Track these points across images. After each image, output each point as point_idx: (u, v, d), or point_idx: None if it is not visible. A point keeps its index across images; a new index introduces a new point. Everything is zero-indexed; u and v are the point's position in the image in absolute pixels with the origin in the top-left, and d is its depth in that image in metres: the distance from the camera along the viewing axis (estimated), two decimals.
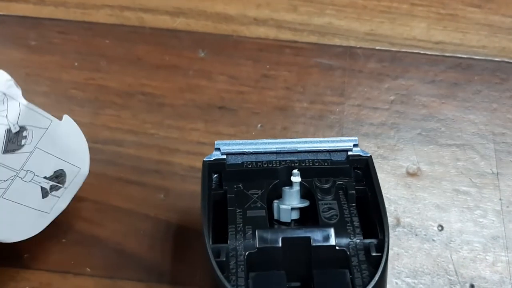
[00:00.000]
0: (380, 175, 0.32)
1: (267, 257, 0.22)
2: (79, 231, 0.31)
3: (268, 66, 0.36)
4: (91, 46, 0.37)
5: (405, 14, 0.38)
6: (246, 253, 0.22)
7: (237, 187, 0.24)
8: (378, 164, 0.33)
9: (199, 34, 0.37)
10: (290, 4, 0.38)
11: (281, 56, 0.36)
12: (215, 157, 0.25)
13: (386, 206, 0.31)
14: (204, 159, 0.25)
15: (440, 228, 0.31)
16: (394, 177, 0.33)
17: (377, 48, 0.37)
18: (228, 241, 0.22)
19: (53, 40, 0.37)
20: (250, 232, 0.22)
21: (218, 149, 0.25)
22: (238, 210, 0.23)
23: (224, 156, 0.25)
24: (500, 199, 0.32)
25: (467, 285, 0.29)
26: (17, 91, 0.24)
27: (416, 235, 0.31)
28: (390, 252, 0.30)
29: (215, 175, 0.25)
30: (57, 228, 0.31)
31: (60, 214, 0.29)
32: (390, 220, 0.31)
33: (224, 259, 0.21)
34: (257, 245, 0.22)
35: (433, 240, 0.31)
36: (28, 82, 0.36)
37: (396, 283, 0.30)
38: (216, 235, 0.23)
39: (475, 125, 0.34)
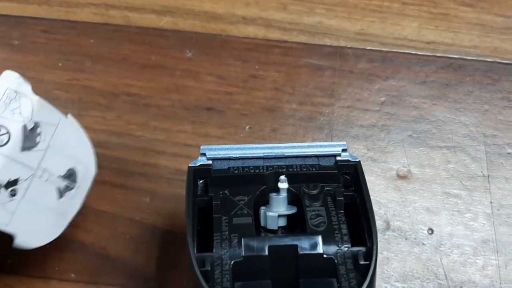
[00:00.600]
0: (370, 178, 0.32)
1: (253, 266, 0.21)
2: (63, 236, 0.30)
3: (256, 66, 0.35)
4: (75, 46, 0.36)
5: (396, 13, 0.38)
6: (232, 262, 0.21)
7: (223, 193, 0.24)
8: (368, 167, 0.33)
9: (186, 34, 0.36)
10: (279, 3, 0.37)
11: (270, 56, 0.36)
12: (201, 163, 0.24)
13: (376, 209, 0.31)
14: (190, 165, 0.24)
15: (430, 232, 0.31)
16: (384, 180, 0.32)
17: (367, 48, 0.36)
18: (213, 250, 0.22)
19: (36, 40, 0.36)
20: (236, 240, 0.22)
21: (204, 154, 0.25)
22: (224, 218, 0.23)
23: (210, 162, 0.24)
24: (491, 202, 0.32)
25: None
26: (27, 87, 0.25)
27: (406, 238, 0.30)
28: (380, 256, 0.30)
29: (201, 181, 0.25)
30: None
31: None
32: (380, 223, 0.31)
33: (209, 268, 0.21)
34: (243, 254, 0.21)
35: (423, 244, 0.30)
36: None
37: None
38: (201, 242, 0.23)
39: (466, 127, 0.34)
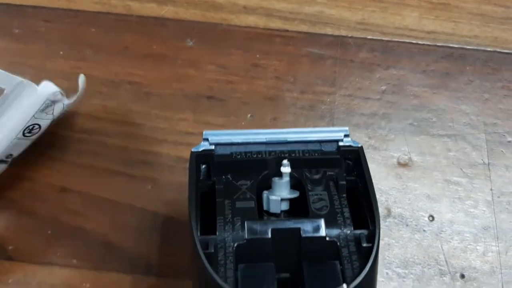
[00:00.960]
0: (371, 166, 0.32)
1: (256, 248, 0.21)
2: (65, 223, 0.30)
3: (258, 55, 0.35)
4: (76, 35, 0.36)
5: (397, 3, 0.38)
6: (235, 245, 0.21)
7: (226, 178, 0.24)
8: (369, 155, 0.33)
9: (187, 23, 0.36)
10: None
11: (271, 45, 0.36)
12: (203, 148, 0.24)
13: (377, 196, 0.31)
14: (192, 150, 0.24)
15: (431, 219, 0.31)
16: (385, 167, 0.32)
17: (368, 37, 0.36)
18: (217, 233, 0.22)
19: (37, 29, 0.36)
20: (239, 223, 0.22)
21: (207, 139, 0.25)
22: (227, 201, 0.23)
23: (213, 147, 0.24)
24: (491, 189, 0.32)
25: (458, 275, 0.29)
26: (62, 98, 0.30)
27: (407, 225, 0.31)
28: (381, 243, 0.30)
29: (203, 166, 0.25)
30: (43, 219, 0.30)
31: None
32: (381, 210, 0.31)
33: (213, 250, 0.21)
34: (246, 237, 0.21)
35: (424, 230, 0.30)
36: (11, 71, 0.35)
37: (387, 273, 0.29)
38: (204, 228, 0.23)
39: (467, 115, 0.34)
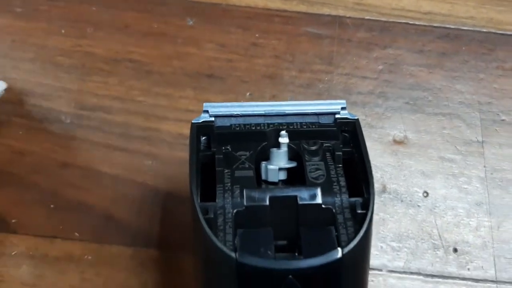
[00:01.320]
0: (368, 143, 0.32)
1: (254, 215, 0.22)
2: (67, 197, 0.31)
3: (257, 35, 0.36)
4: (77, 13, 0.36)
5: None
6: (234, 211, 0.22)
7: (226, 149, 0.24)
8: (365, 133, 0.33)
9: (187, 2, 0.37)
10: None
11: (270, 24, 0.36)
12: (204, 119, 0.25)
13: (373, 173, 0.31)
14: (193, 121, 0.25)
15: (425, 194, 0.32)
16: (381, 144, 0.33)
17: (366, 17, 0.37)
18: (216, 200, 0.22)
19: (39, 7, 0.37)
20: (238, 191, 0.22)
21: (207, 111, 0.25)
22: (226, 171, 0.23)
23: (213, 119, 0.25)
24: (485, 166, 0.32)
25: (451, 249, 0.30)
26: None
27: (402, 201, 0.31)
28: (376, 217, 0.31)
29: (204, 138, 0.25)
30: (45, 193, 0.31)
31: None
32: (377, 186, 0.32)
33: (212, 216, 0.22)
34: (245, 204, 0.22)
35: (418, 206, 0.31)
36: (14, 49, 0.35)
37: (381, 247, 0.30)
38: (204, 197, 0.23)
39: (462, 94, 0.35)
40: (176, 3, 0.37)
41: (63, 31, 0.36)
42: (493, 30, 0.37)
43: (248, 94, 0.34)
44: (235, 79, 0.34)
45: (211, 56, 0.35)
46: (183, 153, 0.32)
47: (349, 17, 0.37)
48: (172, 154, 0.32)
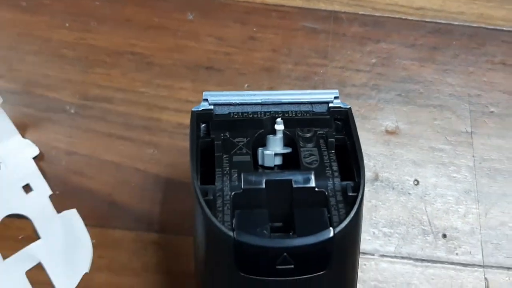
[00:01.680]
0: (361, 133, 0.33)
1: (251, 197, 0.23)
2: (72, 184, 0.32)
3: (254, 29, 0.37)
4: (81, 7, 0.37)
5: None
6: (232, 194, 0.23)
7: (224, 135, 0.25)
8: (359, 123, 0.34)
9: None
10: None
11: (267, 19, 0.37)
12: (203, 108, 0.26)
13: (366, 161, 0.33)
14: (193, 109, 0.26)
15: (416, 183, 0.33)
16: (374, 135, 0.34)
17: (360, 12, 0.38)
18: (215, 183, 0.23)
19: (43, 1, 0.38)
20: (236, 175, 0.24)
21: (206, 100, 0.26)
22: (225, 156, 0.25)
23: (212, 107, 0.26)
24: (473, 156, 0.34)
25: (440, 234, 0.31)
26: None
27: (393, 188, 0.33)
28: (368, 204, 0.32)
29: (203, 125, 0.26)
30: (50, 181, 0.32)
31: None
32: (369, 174, 0.33)
33: (211, 197, 0.23)
34: (242, 186, 0.23)
35: (409, 193, 0.32)
36: (19, 42, 0.36)
37: (374, 233, 0.31)
38: (203, 181, 0.24)
39: (452, 87, 0.36)
40: None
41: (67, 24, 0.37)
42: (483, 25, 0.38)
43: (245, 86, 0.35)
44: (233, 72, 0.36)
45: (210, 49, 0.36)
46: (183, 142, 0.33)
47: (344, 12, 0.38)
48: (172, 143, 0.33)
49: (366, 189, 0.32)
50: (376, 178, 0.33)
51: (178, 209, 0.31)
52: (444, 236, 0.31)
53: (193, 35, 0.37)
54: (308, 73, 0.36)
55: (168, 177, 0.32)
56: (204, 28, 0.37)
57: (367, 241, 0.31)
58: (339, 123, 0.27)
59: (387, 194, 0.32)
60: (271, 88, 0.35)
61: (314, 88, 0.35)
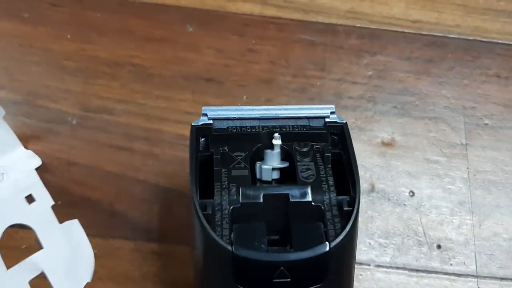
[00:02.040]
0: (357, 145, 0.34)
1: (249, 211, 0.24)
2: (73, 194, 0.32)
3: (253, 41, 0.38)
4: (82, 19, 0.38)
5: None
6: (231, 208, 0.24)
7: (223, 149, 0.26)
8: (355, 135, 0.35)
9: (187, 9, 0.39)
10: None
11: (265, 31, 0.38)
12: (203, 122, 0.27)
13: (362, 173, 0.33)
14: (192, 124, 0.27)
15: (411, 194, 0.33)
16: (370, 146, 0.35)
17: (357, 25, 0.39)
18: (214, 197, 0.24)
19: (45, 12, 0.38)
20: (234, 189, 0.24)
21: (205, 114, 0.27)
22: (223, 170, 0.25)
23: (211, 121, 0.27)
24: (468, 168, 0.34)
25: (434, 245, 0.32)
26: None
27: (389, 200, 0.33)
28: (364, 215, 0.33)
29: (203, 139, 0.27)
30: (52, 191, 0.32)
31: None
32: (365, 186, 0.33)
33: (210, 212, 0.23)
34: (240, 201, 0.24)
35: (405, 204, 0.33)
36: (20, 53, 0.37)
37: (370, 243, 0.32)
38: (203, 195, 0.25)
39: (447, 99, 0.37)
40: (176, 10, 0.38)
41: (68, 36, 0.37)
42: (478, 38, 0.39)
43: (244, 97, 0.36)
44: (232, 83, 0.36)
45: (209, 61, 0.37)
46: (183, 153, 0.33)
47: (341, 25, 0.38)
48: (172, 154, 0.34)
49: (362, 200, 0.33)
50: (372, 189, 0.33)
51: (178, 219, 0.32)
52: (439, 246, 0.32)
53: (193, 47, 0.37)
54: (306, 85, 0.36)
55: (168, 187, 0.33)
56: (203, 40, 0.37)
57: (363, 251, 0.32)
58: (335, 137, 0.27)
59: (383, 205, 0.33)
60: (269, 100, 0.36)
61: (312, 100, 0.36)
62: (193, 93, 0.36)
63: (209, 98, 0.36)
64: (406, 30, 0.39)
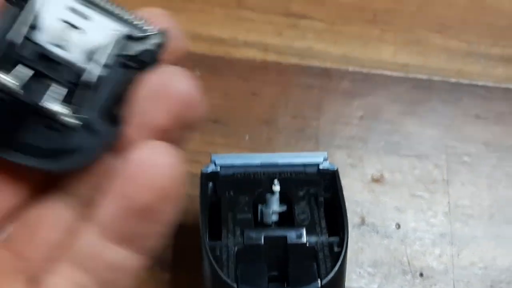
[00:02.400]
0: (349, 181, 0.38)
1: (252, 252, 0.28)
2: None
3: (256, 85, 0.41)
4: None
5: (375, 39, 0.44)
6: (236, 249, 0.27)
7: (229, 194, 0.30)
8: (347, 172, 0.39)
9: (195, 55, 0.42)
10: (276, 30, 0.43)
11: (267, 75, 0.42)
12: (211, 169, 0.31)
13: (353, 207, 0.37)
14: (202, 171, 0.30)
15: (397, 227, 0.37)
16: (361, 182, 0.38)
17: (350, 69, 0.42)
18: (222, 239, 0.28)
19: None
20: (239, 231, 0.28)
21: (214, 162, 0.31)
22: (230, 214, 0.29)
23: (218, 168, 0.31)
24: (449, 202, 0.38)
25: (417, 273, 0.36)
26: None
27: (377, 232, 0.37)
28: (355, 247, 0.36)
29: (211, 184, 0.31)
30: None
31: None
32: (356, 219, 0.37)
33: (218, 253, 0.27)
34: (244, 242, 0.28)
35: (391, 236, 0.37)
36: None
37: (359, 272, 0.36)
38: (211, 229, 0.29)
39: (431, 138, 0.40)
40: (185, 56, 0.42)
41: None
42: (461, 81, 0.42)
43: (246, 137, 0.40)
44: (236, 124, 0.40)
45: (216, 104, 0.41)
46: (192, 190, 0.37)
47: (335, 69, 0.42)
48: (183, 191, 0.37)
49: (353, 233, 0.36)
50: (362, 222, 0.37)
51: (188, 250, 0.35)
52: (421, 275, 0.36)
53: (201, 91, 0.41)
54: (303, 125, 0.40)
55: (178, 222, 0.36)
56: (210, 84, 0.41)
57: (353, 279, 0.35)
58: (327, 182, 0.31)
59: (372, 237, 0.37)
60: (270, 139, 0.40)
61: (308, 139, 0.40)
62: (201, 134, 0.39)
63: (215, 138, 0.39)
64: (394, 74, 0.42)
